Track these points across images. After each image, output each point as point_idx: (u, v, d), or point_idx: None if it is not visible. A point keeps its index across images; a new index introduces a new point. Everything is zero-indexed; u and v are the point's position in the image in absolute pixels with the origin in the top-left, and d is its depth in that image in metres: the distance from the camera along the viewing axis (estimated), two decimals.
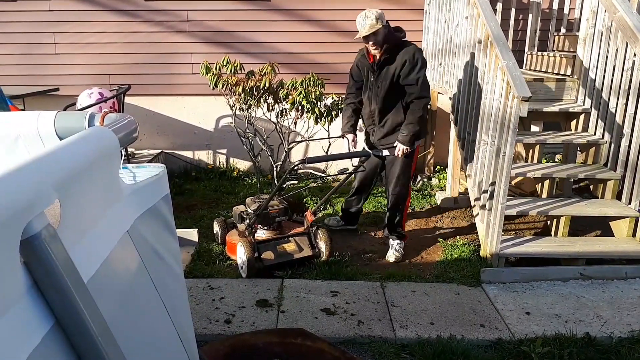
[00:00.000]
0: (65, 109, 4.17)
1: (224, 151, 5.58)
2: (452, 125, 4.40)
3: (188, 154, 5.56)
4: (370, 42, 3.34)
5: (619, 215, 3.56)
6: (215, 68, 4.23)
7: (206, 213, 4.39)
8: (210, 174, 5.42)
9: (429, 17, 5.01)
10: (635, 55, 3.48)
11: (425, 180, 5.21)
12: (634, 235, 3.52)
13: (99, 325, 0.69)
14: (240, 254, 3.34)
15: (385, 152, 3.63)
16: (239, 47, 5.19)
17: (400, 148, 3.46)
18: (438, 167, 5.38)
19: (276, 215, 3.50)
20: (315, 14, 5.19)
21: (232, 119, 4.66)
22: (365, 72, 3.55)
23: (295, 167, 3.03)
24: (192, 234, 3.74)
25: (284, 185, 4.43)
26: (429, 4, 5.00)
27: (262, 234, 3.51)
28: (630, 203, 3.57)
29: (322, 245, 3.49)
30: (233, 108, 4.37)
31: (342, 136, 3.68)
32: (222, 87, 4.19)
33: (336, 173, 3.19)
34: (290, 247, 3.46)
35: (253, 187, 4.97)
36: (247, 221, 3.49)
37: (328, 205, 4.49)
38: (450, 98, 4.48)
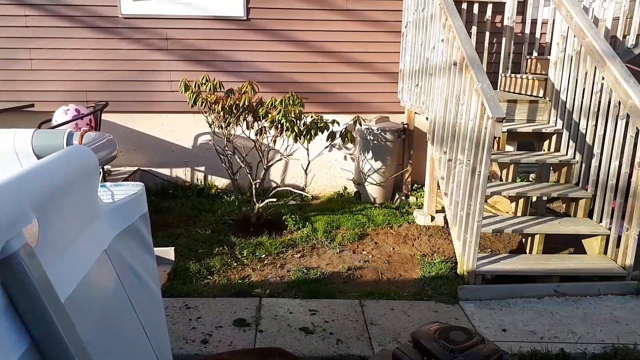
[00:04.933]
0: (40, 126, 4.10)
1: (202, 169, 5.55)
2: (429, 145, 4.47)
3: (165, 171, 5.52)
4: None
5: (590, 233, 3.65)
6: (195, 86, 4.23)
7: (183, 231, 4.35)
8: (187, 192, 5.38)
9: (406, 39, 5.12)
10: (603, 78, 3.61)
11: (403, 198, 5.26)
12: (605, 252, 3.61)
13: (76, 345, 0.68)
14: None
15: None
16: (219, 65, 5.21)
17: None
18: (415, 185, 5.45)
19: None
20: (295, 34, 5.25)
21: (210, 137, 4.64)
22: None
23: None
24: (168, 253, 3.69)
25: (262, 203, 4.42)
26: (406, 27, 5.11)
27: None
28: (601, 221, 3.67)
29: None
30: (212, 126, 4.36)
31: None
32: (201, 105, 4.18)
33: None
34: None
35: (231, 204, 4.95)
36: None
37: (307, 222, 4.47)
38: (426, 118, 4.56)
